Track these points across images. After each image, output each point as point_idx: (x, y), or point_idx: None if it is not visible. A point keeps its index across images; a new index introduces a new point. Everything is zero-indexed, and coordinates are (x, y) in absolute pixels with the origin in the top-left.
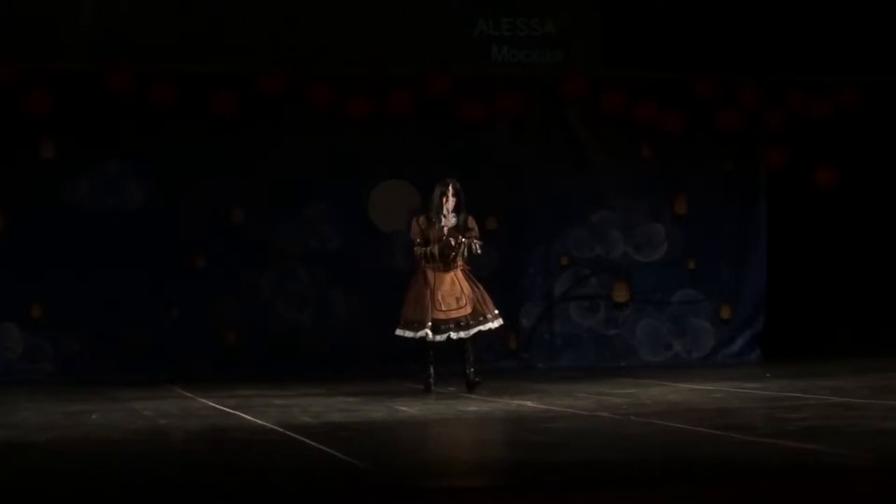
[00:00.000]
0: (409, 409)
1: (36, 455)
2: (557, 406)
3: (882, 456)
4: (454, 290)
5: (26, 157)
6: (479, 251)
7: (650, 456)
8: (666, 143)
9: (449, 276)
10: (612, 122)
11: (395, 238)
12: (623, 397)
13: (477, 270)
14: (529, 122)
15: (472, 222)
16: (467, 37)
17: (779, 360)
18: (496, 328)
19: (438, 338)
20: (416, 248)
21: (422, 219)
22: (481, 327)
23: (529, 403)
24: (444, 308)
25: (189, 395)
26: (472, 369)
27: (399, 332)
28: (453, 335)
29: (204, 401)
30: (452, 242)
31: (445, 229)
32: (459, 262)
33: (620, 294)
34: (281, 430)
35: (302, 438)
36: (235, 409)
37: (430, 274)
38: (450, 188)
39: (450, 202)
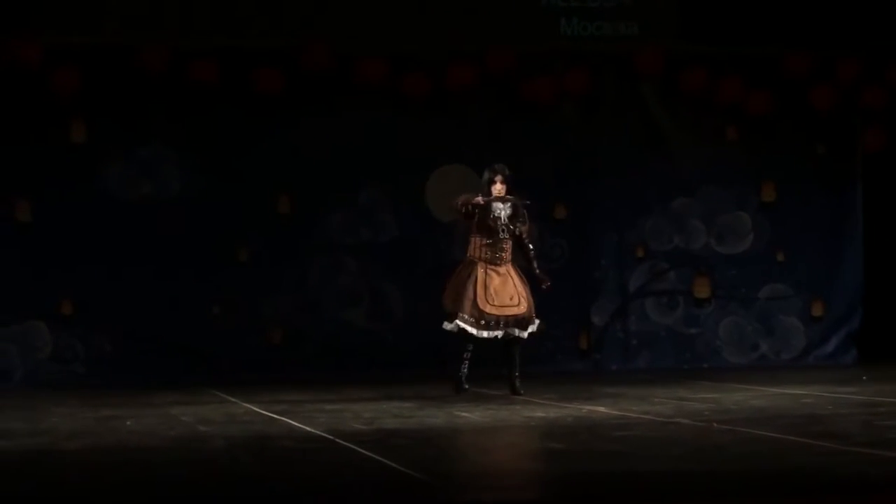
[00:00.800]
0: (470, 414)
1: (66, 465)
2: (632, 412)
3: None
4: (507, 286)
5: (54, 142)
6: (528, 241)
7: (734, 467)
8: (752, 125)
9: (503, 271)
10: (693, 102)
11: (454, 228)
12: (704, 402)
13: (546, 263)
14: (601, 102)
15: (522, 211)
16: (534, 8)
17: (876, 361)
18: (531, 331)
19: (485, 333)
20: (459, 205)
21: (476, 198)
22: (533, 328)
23: (602, 409)
24: (496, 302)
25: (231, 399)
26: (517, 373)
27: (448, 325)
28: (502, 333)
29: (247, 406)
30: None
31: (500, 219)
32: (511, 257)
33: (702, 289)
34: (331, 437)
35: (353, 447)
36: (282, 415)
37: (480, 266)
38: (498, 175)
39: (499, 189)
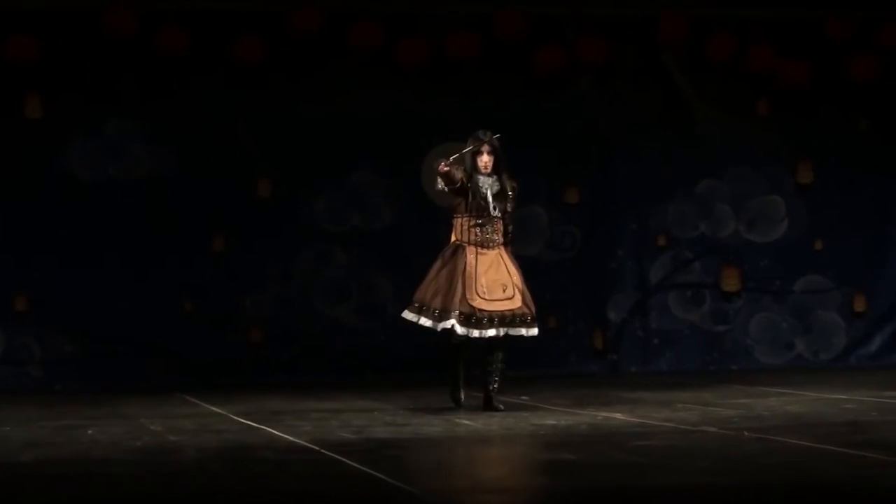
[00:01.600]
0: (471, 422)
1: (19, 479)
2: (653, 419)
3: None
4: (500, 275)
5: (7, 118)
6: (509, 224)
7: (766, 480)
8: (786, 98)
9: (493, 256)
10: (721, 73)
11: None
12: (734, 408)
13: (556, 253)
14: (619, 73)
15: (512, 187)
16: None
17: None
18: (530, 337)
19: (475, 333)
20: (442, 168)
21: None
22: (524, 330)
23: (619, 416)
24: (486, 296)
25: (205, 405)
26: (496, 384)
27: (410, 315)
28: (494, 332)
29: (223, 413)
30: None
31: (488, 196)
32: (501, 240)
33: (730, 282)
34: (316, 448)
35: (341, 458)
36: (261, 423)
37: (469, 252)
38: (484, 144)
39: (486, 161)
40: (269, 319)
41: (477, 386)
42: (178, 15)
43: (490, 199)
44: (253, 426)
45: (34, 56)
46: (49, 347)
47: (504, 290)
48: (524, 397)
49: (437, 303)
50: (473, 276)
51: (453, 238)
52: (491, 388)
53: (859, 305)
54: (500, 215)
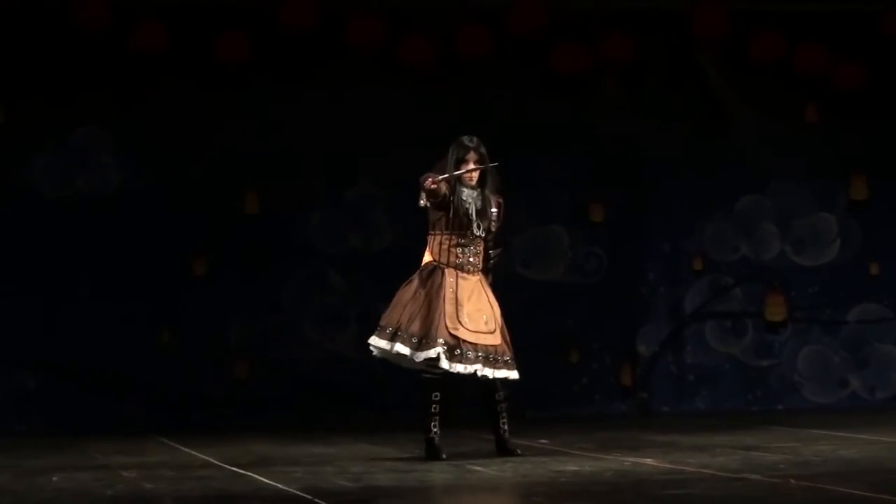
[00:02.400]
0: (484, 469)
1: None
2: (689, 465)
3: None
4: (481, 303)
5: None
6: (492, 259)
7: None
8: (838, 103)
9: (474, 282)
10: (764, 74)
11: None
12: (779, 453)
13: (578, 278)
14: (649, 74)
15: (497, 203)
16: None
17: None
18: (513, 381)
19: (459, 368)
20: (428, 184)
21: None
22: (506, 373)
23: (650, 461)
24: (469, 326)
25: (185, 448)
26: (506, 425)
27: (380, 342)
28: (480, 369)
29: (205, 457)
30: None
31: (473, 212)
32: (481, 266)
33: (775, 310)
34: (309, 497)
35: None
36: (248, 469)
37: (448, 275)
38: (470, 152)
39: (471, 173)
40: (257, 351)
41: (482, 427)
42: (156, 8)
43: (474, 215)
44: (238, 472)
45: None
46: (8, 384)
47: (486, 323)
48: (543, 441)
49: (416, 328)
50: (454, 302)
51: (428, 258)
52: (502, 430)
53: None
54: (482, 235)
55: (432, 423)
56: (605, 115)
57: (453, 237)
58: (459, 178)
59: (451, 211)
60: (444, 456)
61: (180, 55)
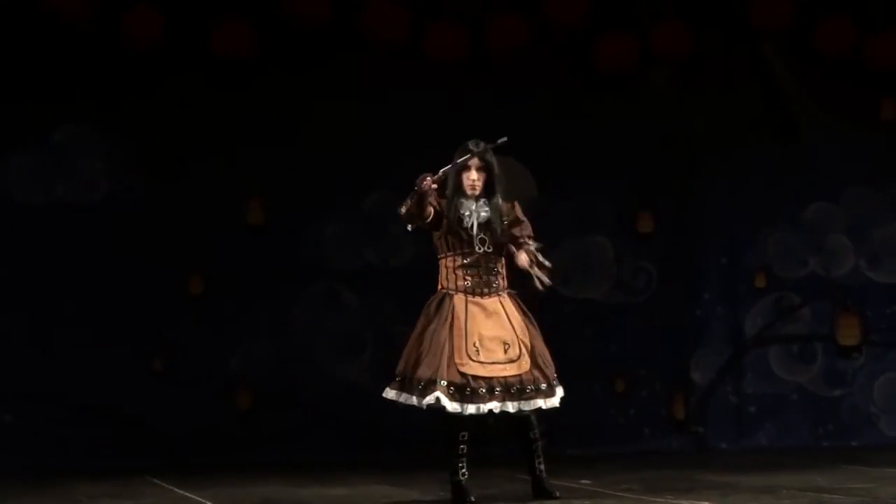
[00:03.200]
0: None
1: None
2: None
3: None
4: (500, 329)
5: None
6: (542, 284)
7: None
8: None
9: (490, 304)
10: (834, 68)
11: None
12: (853, 495)
13: (625, 297)
14: (703, 68)
15: (518, 211)
16: None
17: None
18: (551, 407)
19: (471, 409)
20: (402, 210)
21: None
22: (541, 402)
23: None
24: (482, 358)
25: (179, 490)
26: (541, 464)
27: (390, 393)
28: (498, 406)
29: (202, 499)
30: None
31: (474, 225)
32: (505, 284)
33: (849, 333)
34: None
35: None
36: None
37: (457, 302)
38: (474, 158)
39: (474, 180)
40: (261, 381)
41: (516, 465)
42: None
43: (475, 229)
44: None
45: None
46: None
47: (506, 351)
48: (585, 481)
49: (422, 372)
50: (463, 333)
51: (439, 286)
52: (538, 470)
53: None
54: (489, 250)
55: (459, 465)
56: (654, 114)
57: (457, 258)
58: (459, 188)
59: (446, 227)
60: (472, 499)
61: (177, 47)
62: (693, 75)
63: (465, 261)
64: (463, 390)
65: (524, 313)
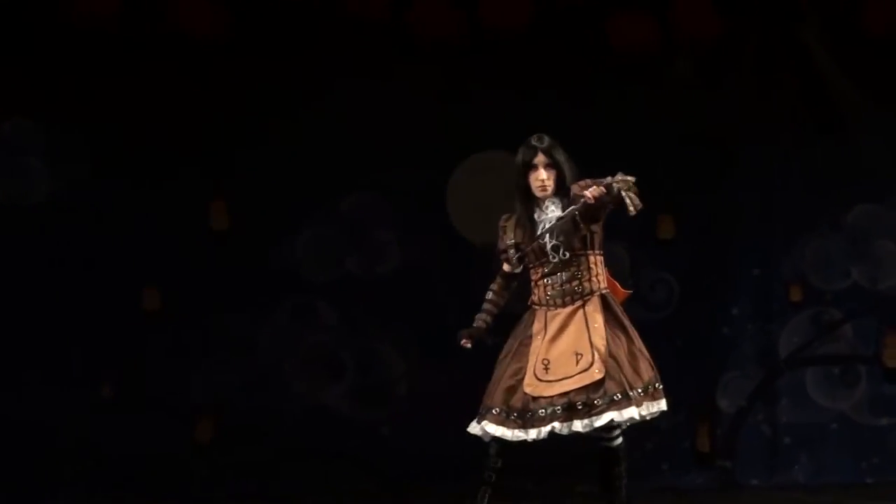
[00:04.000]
0: None
1: None
2: None
3: None
4: (575, 339)
5: None
6: (632, 204)
7: None
8: None
9: (567, 314)
10: (882, 54)
11: (493, 254)
12: None
13: (643, 312)
14: (733, 54)
15: (576, 188)
16: None
17: None
18: (649, 416)
19: (521, 435)
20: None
21: (511, 219)
22: (615, 414)
23: None
24: (547, 376)
25: None
26: (624, 490)
27: (474, 427)
28: (559, 426)
29: None
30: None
31: (546, 225)
32: (597, 285)
33: None
34: None
35: None
36: None
37: (538, 319)
38: (539, 154)
39: (543, 180)
40: (225, 407)
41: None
42: None
43: (546, 236)
44: None
45: None
46: None
47: (578, 361)
48: None
49: (485, 398)
50: (537, 352)
51: (529, 300)
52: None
53: None
54: (565, 257)
55: (479, 493)
56: (677, 105)
57: (537, 269)
58: (527, 193)
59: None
60: None
61: (133, 27)
62: (721, 62)
63: (544, 270)
64: (524, 414)
65: (613, 316)
